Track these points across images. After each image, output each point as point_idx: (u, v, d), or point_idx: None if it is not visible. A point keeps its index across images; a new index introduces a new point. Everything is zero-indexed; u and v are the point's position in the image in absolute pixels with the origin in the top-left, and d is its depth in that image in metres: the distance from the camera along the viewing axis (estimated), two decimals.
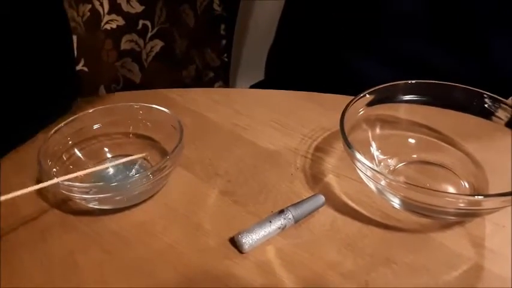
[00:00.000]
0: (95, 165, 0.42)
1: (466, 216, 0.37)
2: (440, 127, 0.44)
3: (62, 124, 0.41)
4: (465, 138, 0.43)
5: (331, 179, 0.43)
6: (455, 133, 0.43)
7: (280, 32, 0.68)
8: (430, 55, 0.47)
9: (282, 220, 0.37)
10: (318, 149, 0.46)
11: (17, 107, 0.48)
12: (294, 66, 0.66)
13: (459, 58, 0.44)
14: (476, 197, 0.34)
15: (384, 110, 0.43)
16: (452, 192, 0.39)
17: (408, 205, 0.37)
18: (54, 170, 0.39)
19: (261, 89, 0.56)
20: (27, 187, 0.41)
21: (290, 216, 0.37)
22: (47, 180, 0.37)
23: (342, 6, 0.57)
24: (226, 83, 1.07)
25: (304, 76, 0.62)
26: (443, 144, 0.44)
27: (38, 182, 0.42)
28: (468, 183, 0.41)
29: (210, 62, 1.04)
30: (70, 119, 0.42)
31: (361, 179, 0.39)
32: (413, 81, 0.43)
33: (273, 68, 0.70)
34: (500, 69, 0.42)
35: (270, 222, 0.37)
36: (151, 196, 0.41)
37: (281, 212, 0.38)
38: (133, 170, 0.43)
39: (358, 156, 0.36)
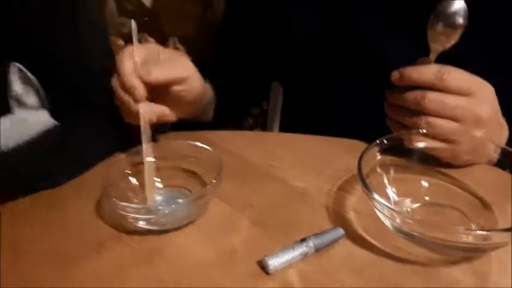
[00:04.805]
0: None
1: (472, 251, 0.41)
2: (452, 172, 0.48)
3: (123, 156, 0.50)
4: (475, 183, 0.47)
5: (351, 215, 0.47)
6: (467, 177, 0.48)
7: None
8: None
9: (304, 247, 0.42)
10: (340, 188, 0.51)
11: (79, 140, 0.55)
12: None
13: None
14: (480, 231, 0.38)
15: (399, 154, 0.48)
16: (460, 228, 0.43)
17: (420, 241, 0.41)
18: (114, 194, 0.46)
19: (289, 133, 0.62)
20: (87, 209, 0.49)
21: (311, 244, 0.42)
22: (105, 203, 0.44)
23: None
24: (264, 129, 1.13)
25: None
26: (454, 188, 0.48)
27: (98, 204, 0.49)
28: (477, 224, 0.44)
29: (250, 109, 1.11)
30: (129, 152, 0.50)
31: (378, 216, 0.44)
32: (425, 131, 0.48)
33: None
34: None
35: (293, 248, 0.42)
36: (192, 221, 0.47)
37: (303, 240, 0.43)
38: (178, 197, 0.49)
39: (376, 197, 0.41)
